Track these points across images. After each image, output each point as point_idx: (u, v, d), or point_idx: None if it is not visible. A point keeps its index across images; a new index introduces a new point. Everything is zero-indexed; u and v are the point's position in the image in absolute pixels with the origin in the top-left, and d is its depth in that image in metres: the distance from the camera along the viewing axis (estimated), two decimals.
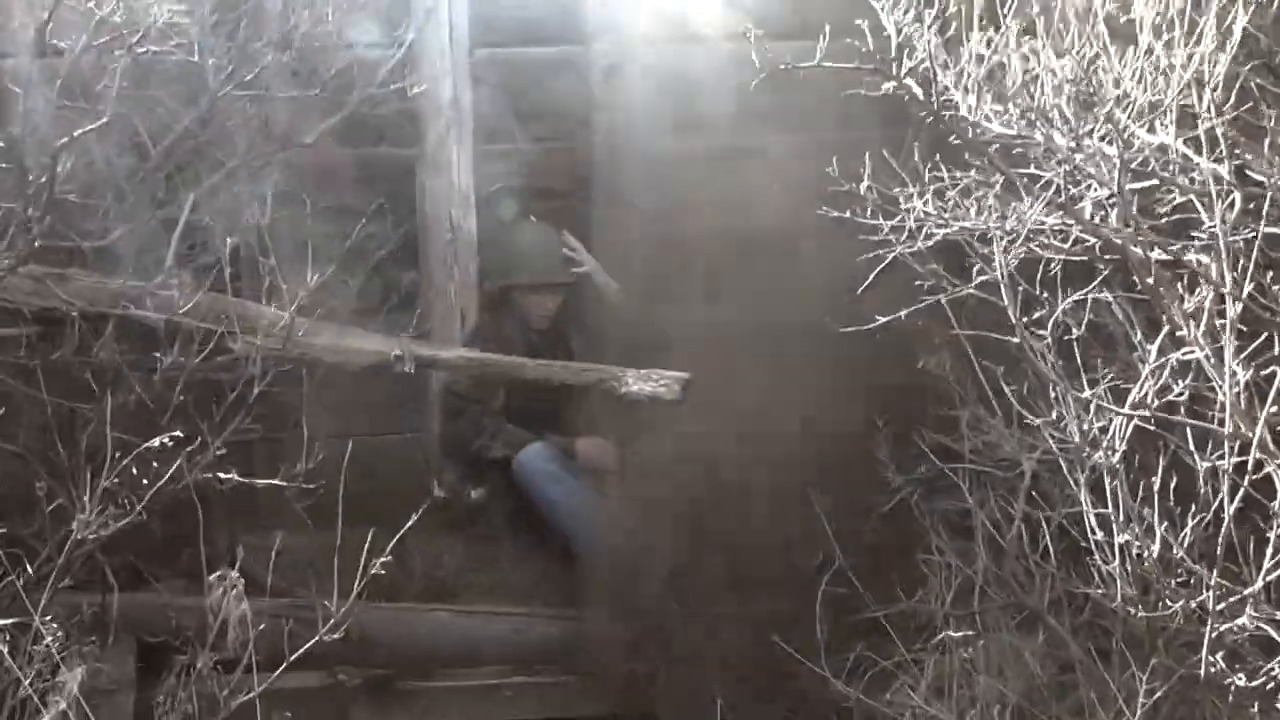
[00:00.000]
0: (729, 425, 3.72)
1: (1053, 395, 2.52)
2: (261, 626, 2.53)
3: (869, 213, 2.84)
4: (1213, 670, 2.35)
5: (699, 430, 3.53)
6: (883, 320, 3.11)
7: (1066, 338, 2.61)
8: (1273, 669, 2.33)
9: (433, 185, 3.75)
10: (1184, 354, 2.32)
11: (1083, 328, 2.61)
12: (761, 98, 3.72)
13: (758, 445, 3.72)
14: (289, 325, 2.90)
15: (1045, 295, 2.60)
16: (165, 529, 2.99)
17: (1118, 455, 2.41)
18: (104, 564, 2.85)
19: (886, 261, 2.92)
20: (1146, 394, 2.40)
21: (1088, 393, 2.45)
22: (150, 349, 2.99)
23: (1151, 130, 2.32)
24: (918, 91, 2.44)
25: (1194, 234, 2.42)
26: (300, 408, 3.02)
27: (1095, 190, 2.48)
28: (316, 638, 2.53)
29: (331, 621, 2.52)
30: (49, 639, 2.35)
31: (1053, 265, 2.69)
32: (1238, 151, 2.37)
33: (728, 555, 3.44)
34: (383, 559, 2.50)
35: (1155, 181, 2.47)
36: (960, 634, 2.72)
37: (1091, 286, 2.60)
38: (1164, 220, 2.51)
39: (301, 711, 2.90)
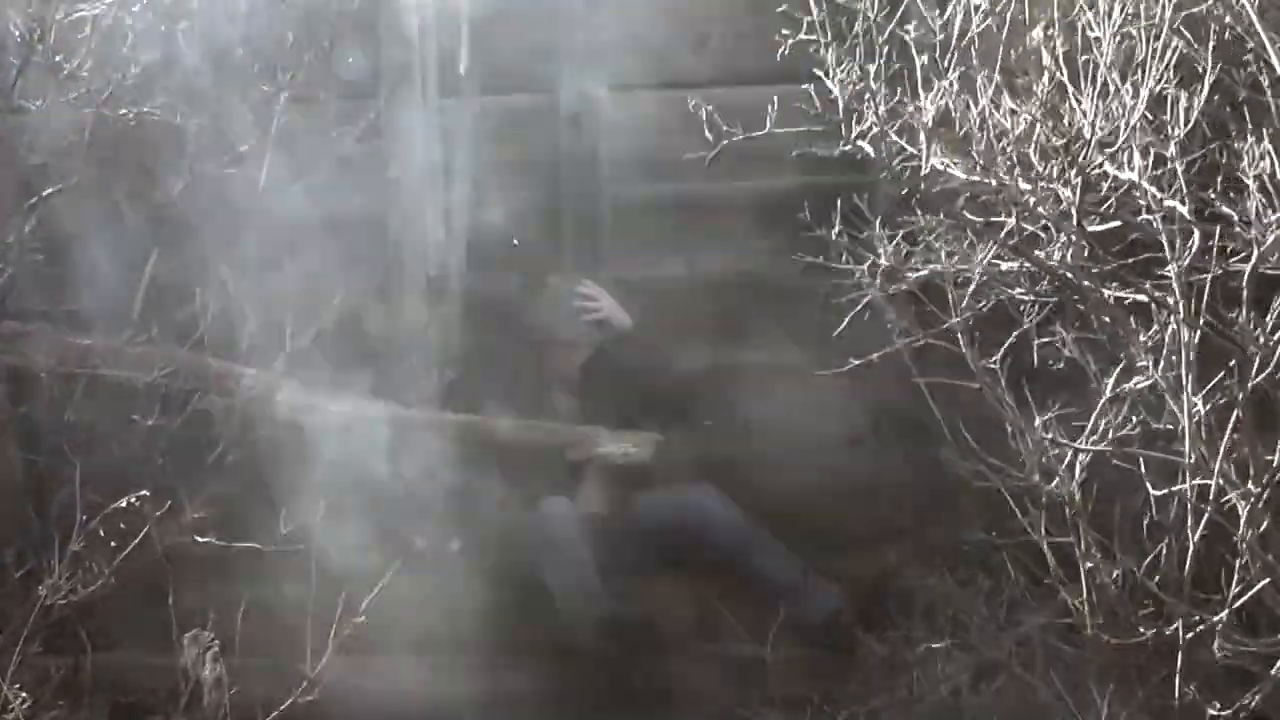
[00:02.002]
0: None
1: (1009, 431, 2.54)
2: (235, 690, 2.51)
3: (842, 258, 2.89)
4: (1186, 700, 2.37)
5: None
6: (856, 362, 3.15)
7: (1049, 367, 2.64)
8: (1244, 698, 2.35)
9: (406, 238, 3.76)
10: (1138, 384, 2.35)
11: (1062, 361, 2.64)
12: (730, 143, 3.81)
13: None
14: (267, 387, 2.89)
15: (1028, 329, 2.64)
16: (138, 587, 2.98)
17: (1075, 485, 2.43)
18: (76, 625, 2.82)
19: (860, 306, 2.97)
20: (1103, 426, 2.42)
21: (1039, 423, 2.48)
22: (125, 406, 2.99)
23: (1115, 163, 2.36)
24: (869, 150, 2.47)
25: (1159, 273, 2.45)
26: (277, 466, 3.01)
27: (1055, 232, 2.52)
28: (291, 700, 2.51)
29: (305, 682, 2.50)
30: (16, 706, 2.33)
31: (1022, 307, 2.74)
32: (1201, 192, 2.41)
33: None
34: (358, 618, 2.49)
35: (1117, 223, 2.51)
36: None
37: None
38: (1130, 261, 2.55)
39: None
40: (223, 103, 3.38)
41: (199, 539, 2.67)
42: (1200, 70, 2.31)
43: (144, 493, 2.54)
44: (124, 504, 2.48)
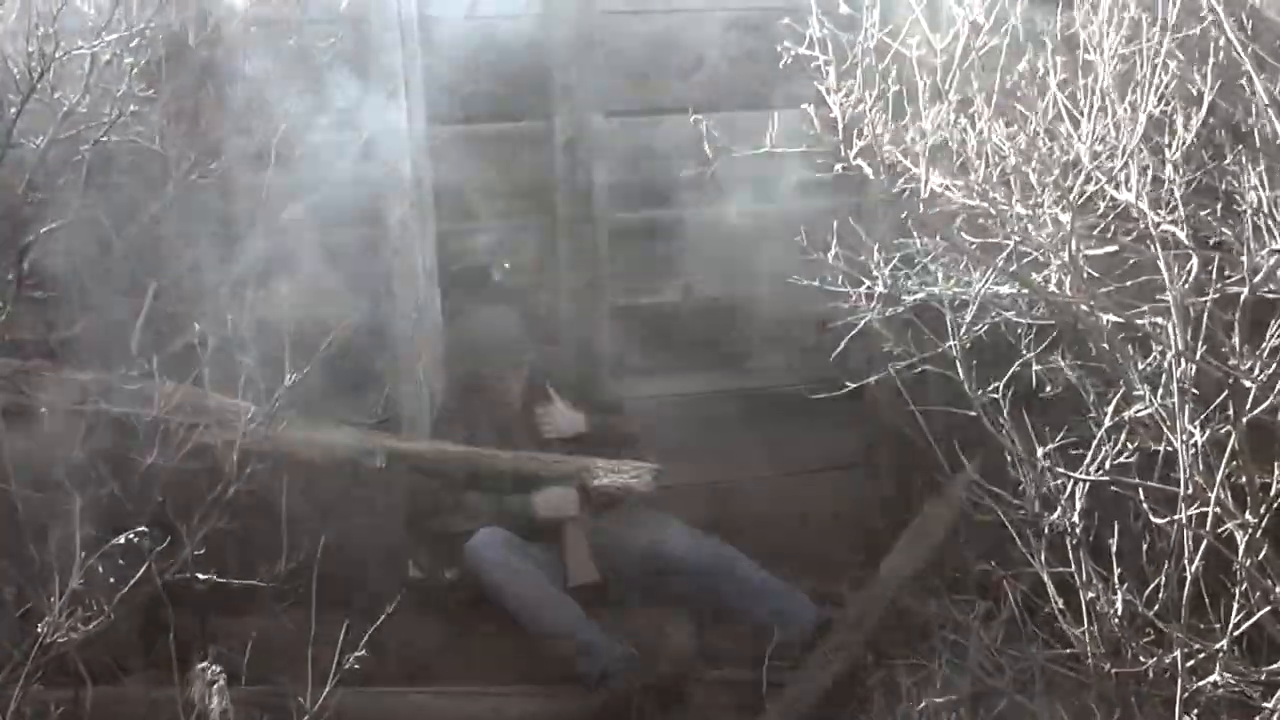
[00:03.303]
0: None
1: (1008, 460, 2.55)
2: None
3: (839, 280, 2.89)
4: None
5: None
6: (852, 385, 3.16)
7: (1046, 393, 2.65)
8: None
9: (397, 265, 3.76)
10: (1137, 411, 2.36)
11: (1059, 387, 2.65)
12: (727, 167, 3.82)
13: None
14: (266, 422, 2.88)
15: (1028, 357, 2.64)
16: (139, 620, 2.98)
17: (1076, 515, 2.43)
18: (76, 660, 2.81)
19: (858, 328, 2.98)
20: (1103, 456, 2.43)
21: (1040, 454, 2.48)
22: (123, 441, 2.98)
23: (1113, 183, 2.36)
24: (868, 171, 2.48)
25: (1158, 297, 2.46)
26: (275, 499, 3.00)
27: (1052, 257, 2.52)
28: None
29: (307, 717, 2.50)
30: None
31: (1019, 330, 2.74)
32: (1199, 213, 2.42)
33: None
34: (358, 652, 2.48)
35: (1114, 248, 2.52)
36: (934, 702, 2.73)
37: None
38: (1128, 284, 2.56)
39: None
40: (215, 131, 3.38)
41: (199, 576, 2.65)
42: (1197, 93, 2.32)
43: (142, 529, 2.54)
44: (122, 540, 2.48)
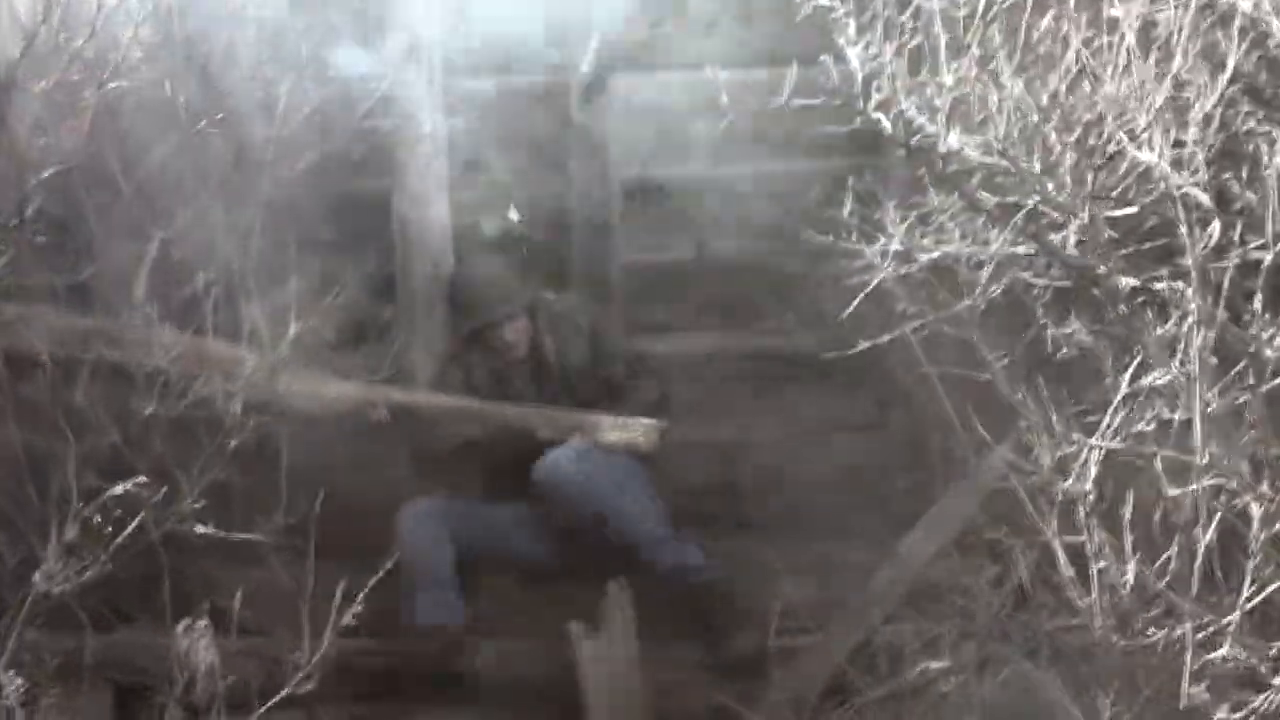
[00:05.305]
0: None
1: (1023, 425, 2.50)
2: (230, 679, 2.50)
3: (853, 237, 2.84)
4: (1193, 703, 2.32)
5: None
6: (865, 344, 3.11)
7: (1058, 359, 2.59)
8: (1254, 701, 2.30)
9: (411, 218, 3.72)
10: (1154, 380, 2.30)
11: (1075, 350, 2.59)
12: (742, 125, 3.76)
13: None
14: (270, 373, 2.85)
15: (1044, 321, 2.59)
16: (139, 567, 2.96)
17: (1089, 484, 2.38)
18: (76, 608, 2.81)
19: (871, 287, 2.93)
20: (1117, 423, 2.38)
21: (1055, 420, 2.43)
22: (126, 388, 2.96)
23: (1135, 143, 2.30)
24: (886, 125, 2.42)
25: (1176, 260, 2.40)
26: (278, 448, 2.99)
27: (1071, 218, 2.47)
28: (287, 689, 2.50)
29: (301, 674, 2.48)
30: (11, 691, 2.32)
31: (1036, 291, 2.69)
32: (1222, 176, 2.36)
33: None
34: (355, 608, 2.47)
35: (1134, 209, 2.46)
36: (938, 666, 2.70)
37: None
38: (1146, 246, 2.50)
39: None
40: (230, 81, 3.34)
41: (198, 528, 2.63)
42: (1220, 54, 2.25)
43: (140, 478, 2.51)
44: (120, 489, 2.46)
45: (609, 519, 3.40)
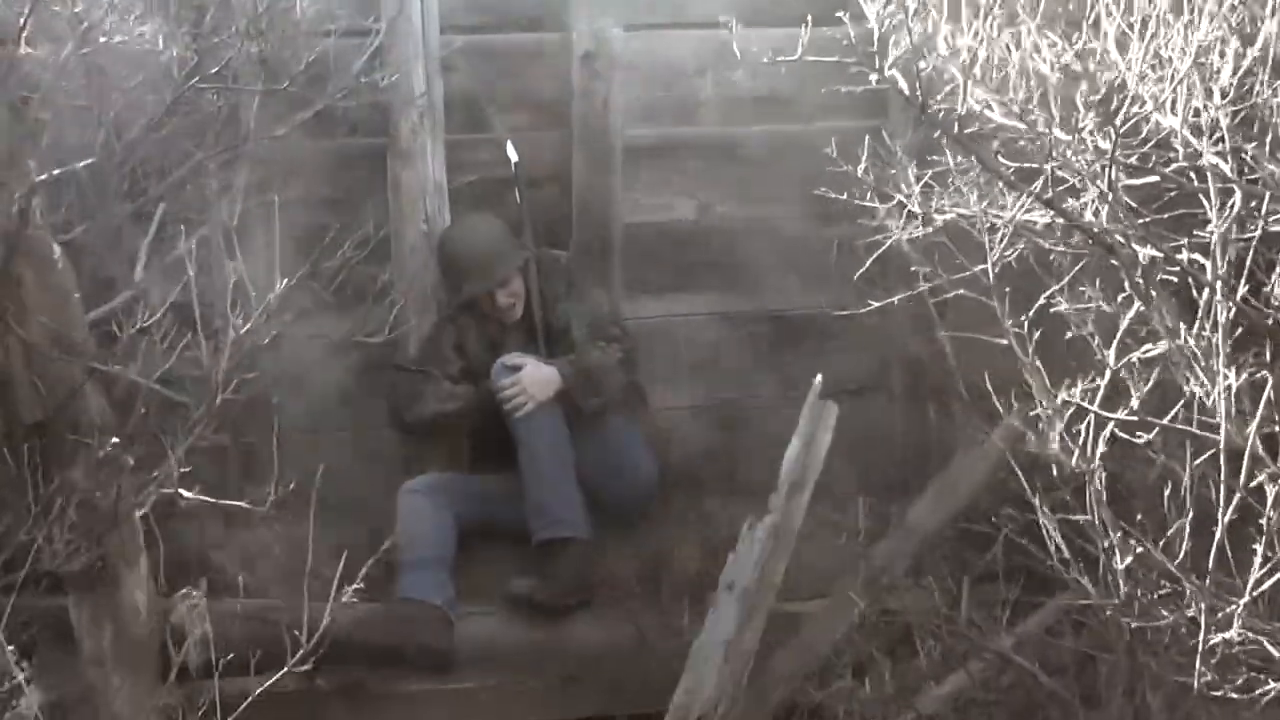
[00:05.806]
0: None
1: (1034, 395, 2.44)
2: (230, 657, 2.46)
3: (868, 196, 2.78)
4: (1204, 682, 2.29)
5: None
6: (875, 304, 3.06)
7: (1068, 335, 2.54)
8: (1263, 678, 2.26)
9: (404, 177, 3.64)
10: (1169, 351, 2.24)
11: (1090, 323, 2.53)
12: (747, 84, 3.68)
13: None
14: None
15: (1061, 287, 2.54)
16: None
17: (1098, 459, 2.33)
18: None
19: (885, 247, 2.88)
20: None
21: (1064, 395, 2.38)
22: (108, 351, 2.89)
23: (1159, 109, 2.23)
24: (903, 85, 2.34)
25: (1195, 232, 2.34)
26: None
27: (1089, 185, 2.40)
28: (286, 669, 2.46)
29: (301, 652, 2.44)
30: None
31: (1052, 258, 2.63)
32: (1243, 146, 2.29)
33: None
34: (356, 585, 2.42)
35: (1154, 179, 2.39)
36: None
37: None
38: (1166, 216, 2.44)
39: (275, 715, 2.83)
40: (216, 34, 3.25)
41: (184, 494, 2.57)
42: (1250, 23, 2.18)
43: (114, 440, 2.44)
44: (100, 453, 2.40)
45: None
